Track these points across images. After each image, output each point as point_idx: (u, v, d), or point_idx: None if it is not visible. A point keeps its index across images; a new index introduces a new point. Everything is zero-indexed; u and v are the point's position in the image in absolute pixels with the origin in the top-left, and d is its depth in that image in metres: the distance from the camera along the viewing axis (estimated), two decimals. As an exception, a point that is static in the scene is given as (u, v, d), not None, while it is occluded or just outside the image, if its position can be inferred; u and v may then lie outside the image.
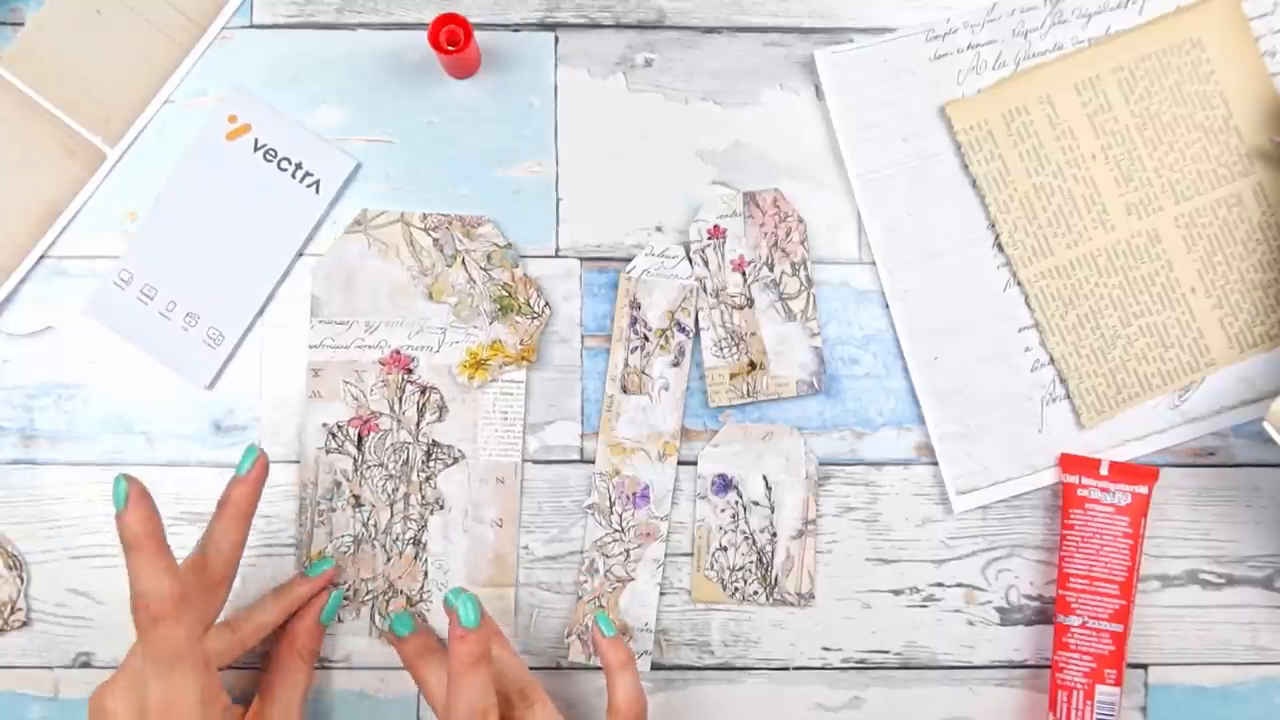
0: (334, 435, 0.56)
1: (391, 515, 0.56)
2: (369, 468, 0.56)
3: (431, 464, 0.57)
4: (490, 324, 0.56)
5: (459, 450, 0.57)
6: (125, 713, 0.46)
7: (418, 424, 0.57)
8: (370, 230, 0.57)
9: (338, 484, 0.56)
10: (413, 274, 0.57)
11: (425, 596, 0.56)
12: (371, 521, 0.56)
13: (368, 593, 0.56)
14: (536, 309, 0.56)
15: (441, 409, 0.57)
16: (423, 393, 0.57)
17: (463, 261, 0.56)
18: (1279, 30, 0.57)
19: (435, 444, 0.57)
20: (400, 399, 0.57)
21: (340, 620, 0.56)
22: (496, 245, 0.57)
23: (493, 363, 0.56)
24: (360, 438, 0.56)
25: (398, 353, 0.56)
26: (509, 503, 0.57)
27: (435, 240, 0.57)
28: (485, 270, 0.56)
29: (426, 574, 0.56)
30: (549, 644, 0.57)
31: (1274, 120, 0.57)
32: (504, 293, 0.56)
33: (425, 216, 0.57)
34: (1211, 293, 0.57)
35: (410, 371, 0.57)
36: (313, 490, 0.56)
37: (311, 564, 0.56)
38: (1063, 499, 0.56)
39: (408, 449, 0.57)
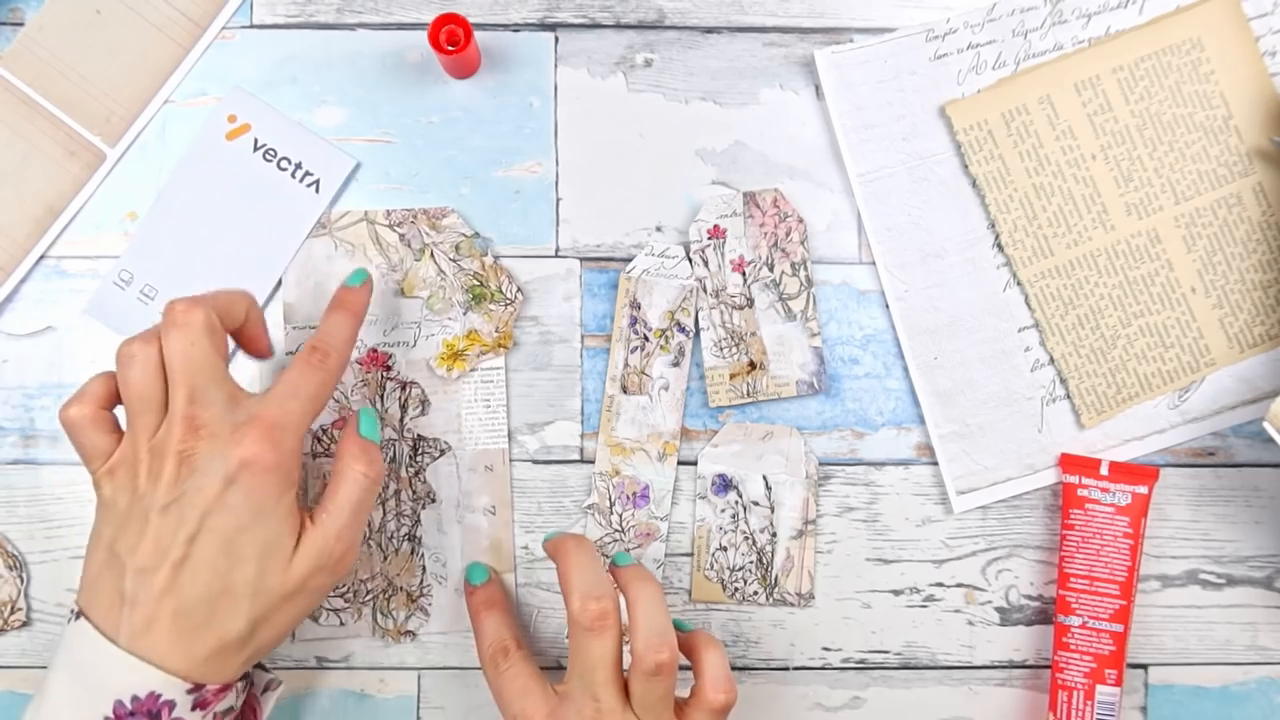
0: (319, 439, 0.56)
1: (384, 513, 0.56)
2: None
3: (419, 458, 0.57)
4: (464, 314, 0.57)
5: (445, 442, 0.57)
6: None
7: (401, 420, 0.57)
8: (335, 232, 0.56)
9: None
10: (381, 271, 0.57)
11: (425, 591, 0.56)
12: None
13: (368, 593, 0.56)
14: (509, 295, 0.56)
15: (424, 403, 0.57)
16: (403, 389, 0.57)
17: (431, 254, 0.56)
18: (1279, 30, 0.57)
19: (420, 438, 0.57)
20: (381, 397, 0.57)
21: (341, 623, 0.56)
22: (464, 235, 0.57)
23: (470, 353, 0.56)
24: None
25: (374, 351, 0.56)
26: (500, 489, 0.57)
27: (401, 236, 0.57)
28: (454, 261, 0.56)
29: (424, 569, 0.56)
30: (549, 644, 0.57)
31: (1274, 120, 0.57)
32: (475, 282, 0.56)
33: (389, 213, 0.57)
34: (1211, 293, 0.57)
35: (389, 369, 0.57)
36: (303, 496, 0.56)
37: (350, 276, 0.54)
38: (1063, 499, 0.56)
39: (394, 446, 0.57)
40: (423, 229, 0.56)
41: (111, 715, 0.44)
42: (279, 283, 0.57)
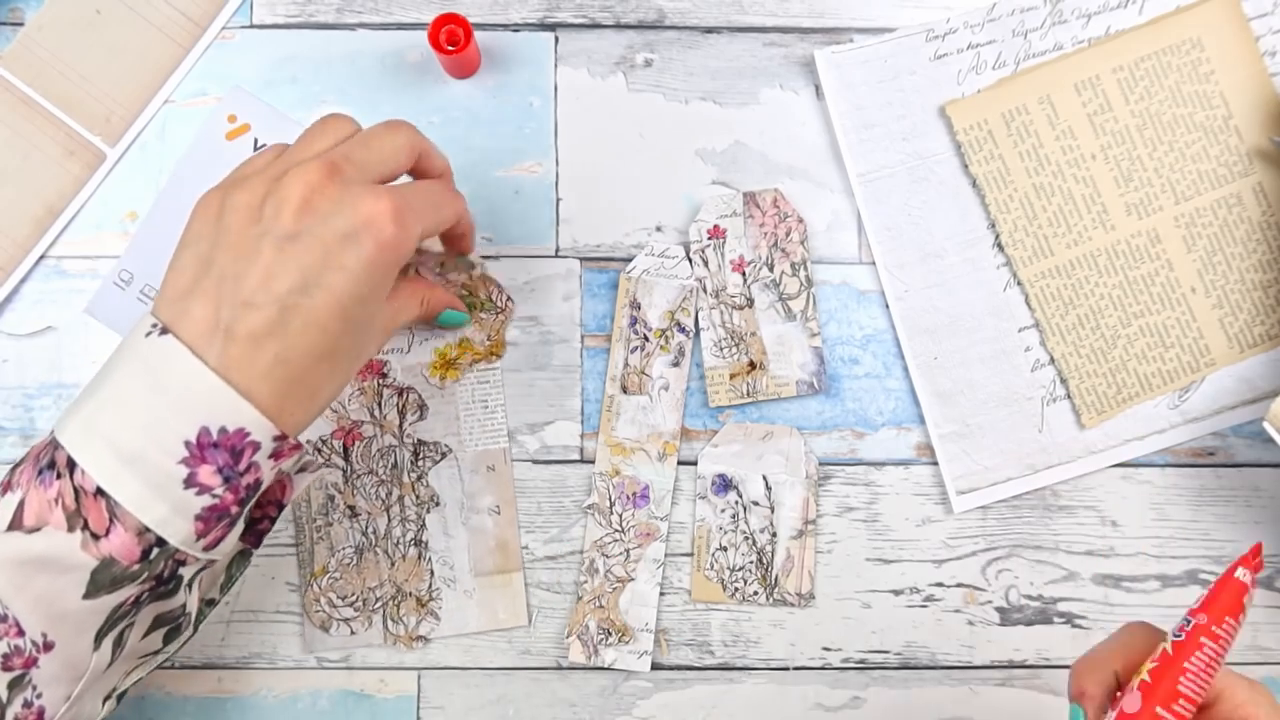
0: (319, 450, 0.56)
1: (389, 520, 0.56)
2: (359, 476, 0.56)
3: (420, 463, 0.57)
4: None
5: (445, 445, 0.57)
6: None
7: (400, 426, 0.57)
8: None
9: (330, 498, 0.56)
10: None
11: (435, 595, 0.56)
12: (370, 529, 0.56)
13: (377, 600, 0.56)
14: (499, 304, 0.57)
15: (422, 408, 0.57)
16: (400, 395, 0.57)
17: (415, 271, 0.56)
18: (1279, 30, 0.57)
19: (421, 443, 0.57)
20: (379, 404, 0.57)
21: (353, 632, 0.56)
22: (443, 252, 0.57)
23: (462, 361, 0.56)
24: (346, 448, 0.56)
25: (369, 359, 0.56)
26: (503, 489, 0.57)
27: None
28: (441, 276, 0.56)
29: (433, 572, 0.56)
30: (549, 644, 0.57)
31: (1274, 120, 0.57)
32: (463, 293, 0.56)
33: None
34: (1211, 293, 0.57)
35: (384, 376, 0.57)
36: (306, 508, 0.56)
37: None
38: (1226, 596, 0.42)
39: (394, 452, 0.57)
40: None
41: (194, 440, 0.41)
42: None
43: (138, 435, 0.41)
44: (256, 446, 0.42)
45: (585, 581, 0.57)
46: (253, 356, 0.42)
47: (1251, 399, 0.58)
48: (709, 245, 0.57)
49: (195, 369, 0.41)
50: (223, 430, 0.41)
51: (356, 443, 0.56)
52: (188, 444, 0.41)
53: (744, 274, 0.57)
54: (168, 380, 0.41)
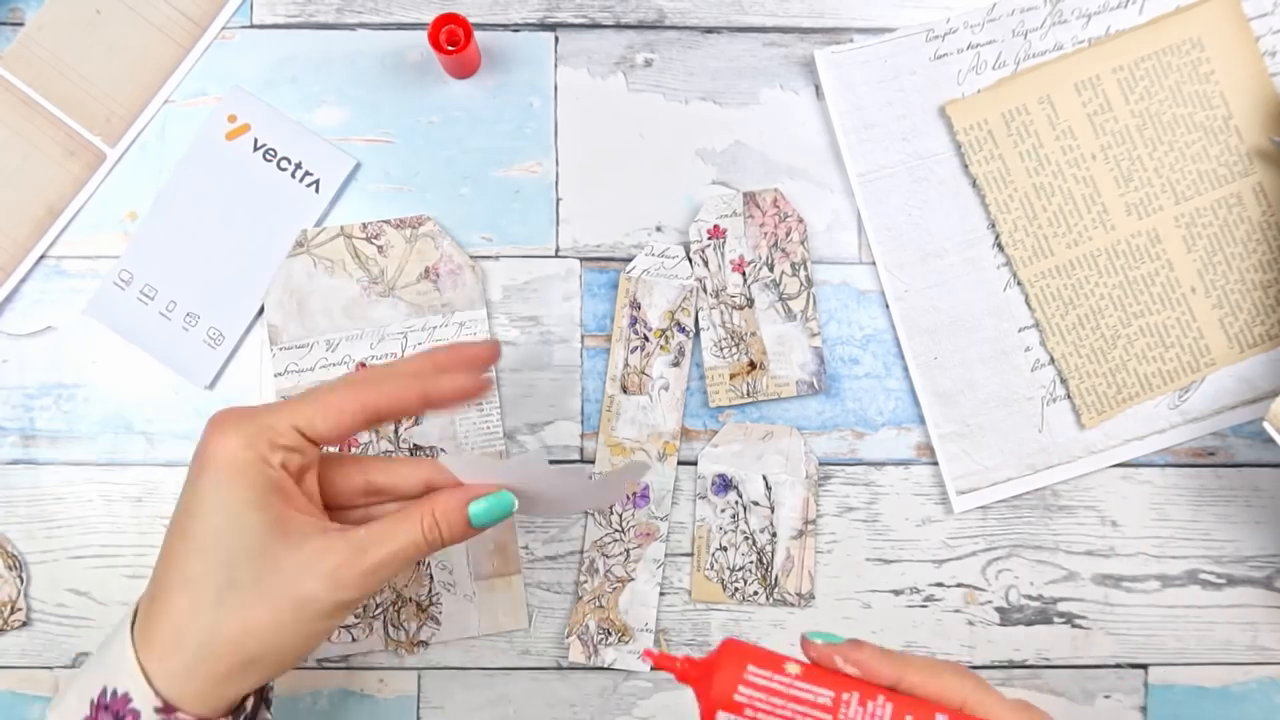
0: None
1: None
2: None
3: None
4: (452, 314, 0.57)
5: (441, 449, 0.57)
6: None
7: (396, 431, 0.56)
8: (313, 250, 0.56)
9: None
10: (363, 285, 0.57)
11: (435, 600, 0.56)
12: None
13: (378, 606, 0.56)
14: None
15: None
16: None
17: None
18: (1279, 30, 0.57)
19: (417, 448, 0.57)
20: None
21: (354, 639, 0.56)
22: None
23: None
24: None
25: (363, 365, 0.56)
26: None
27: (379, 247, 0.57)
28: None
29: (432, 577, 0.56)
30: (549, 644, 0.57)
31: (1274, 120, 0.57)
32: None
33: (365, 226, 0.57)
34: (1211, 293, 0.57)
35: None
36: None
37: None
38: None
39: None
40: (400, 238, 0.57)
41: (95, 699, 0.41)
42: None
43: (70, 689, 0.42)
44: (136, 715, 0.41)
45: (585, 581, 0.57)
46: (145, 616, 0.42)
47: (1251, 399, 0.58)
48: (709, 245, 0.57)
49: (124, 634, 0.42)
50: (113, 693, 0.41)
51: (352, 450, 0.56)
52: (92, 702, 0.42)
53: (744, 274, 0.57)
54: (111, 640, 0.43)
